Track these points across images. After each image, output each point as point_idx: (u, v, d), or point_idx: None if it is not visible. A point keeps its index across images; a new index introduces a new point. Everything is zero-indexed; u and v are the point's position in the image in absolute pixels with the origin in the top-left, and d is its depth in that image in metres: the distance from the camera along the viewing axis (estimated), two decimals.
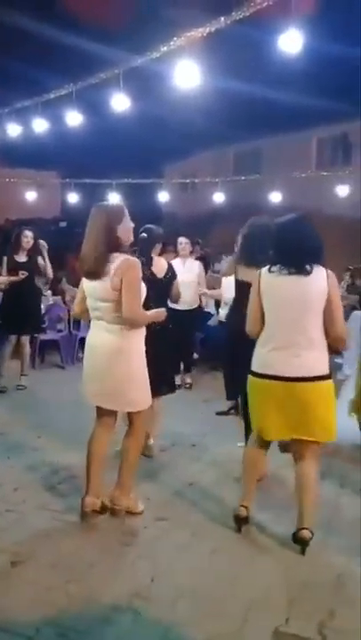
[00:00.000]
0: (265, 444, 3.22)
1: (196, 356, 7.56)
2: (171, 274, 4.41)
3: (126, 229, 3.22)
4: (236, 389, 3.90)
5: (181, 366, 6.55)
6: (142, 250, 4.26)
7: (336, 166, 18.02)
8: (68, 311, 8.46)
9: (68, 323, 8.34)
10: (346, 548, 3.04)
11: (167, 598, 2.54)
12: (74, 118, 7.83)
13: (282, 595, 2.59)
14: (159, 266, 4.34)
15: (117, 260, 3.10)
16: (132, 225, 3.29)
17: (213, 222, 15.89)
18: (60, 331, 8.37)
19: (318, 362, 3.00)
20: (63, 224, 18.13)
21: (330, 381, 3.03)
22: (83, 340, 8.60)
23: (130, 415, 3.35)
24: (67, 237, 14.27)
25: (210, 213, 16.48)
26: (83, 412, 3.58)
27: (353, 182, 14.01)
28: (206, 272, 7.61)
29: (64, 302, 8.81)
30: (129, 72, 5.90)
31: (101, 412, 3.35)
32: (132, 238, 3.32)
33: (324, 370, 3.01)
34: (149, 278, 3.93)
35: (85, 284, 3.28)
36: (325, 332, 3.00)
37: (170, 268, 4.43)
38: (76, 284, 3.78)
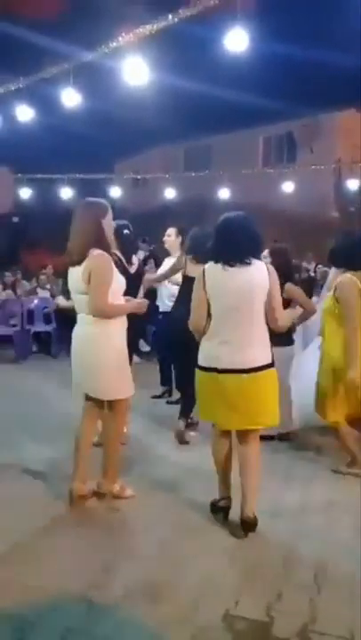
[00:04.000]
0: (226, 433, 3.28)
1: (147, 348, 7.72)
2: (141, 269, 4.71)
3: (109, 225, 3.39)
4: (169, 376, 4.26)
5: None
6: (126, 245, 4.42)
7: (282, 164, 18.51)
8: (22, 305, 8.45)
9: (22, 318, 8.32)
10: (291, 531, 3.17)
11: (120, 587, 2.59)
12: (24, 113, 7.80)
13: (231, 579, 2.68)
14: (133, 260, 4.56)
15: (91, 253, 3.23)
16: (113, 222, 3.44)
17: (165, 217, 15.98)
18: (13, 325, 8.34)
19: (263, 351, 3.11)
20: (16, 219, 17.88)
21: (274, 369, 3.15)
22: (37, 335, 8.72)
23: (109, 403, 3.43)
24: (20, 233, 14.12)
25: (161, 208, 16.60)
26: (41, 404, 3.63)
27: (298, 179, 14.44)
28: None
29: (17, 297, 8.77)
30: (80, 67, 5.94)
31: (88, 401, 3.49)
32: (112, 235, 3.45)
33: (269, 359, 3.12)
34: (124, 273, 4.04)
35: (69, 279, 3.41)
36: (267, 323, 3.12)
37: (139, 263, 4.73)
38: (30, 278, 3.87)
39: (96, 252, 3.24)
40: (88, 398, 3.49)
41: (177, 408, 4.84)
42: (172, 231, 5.76)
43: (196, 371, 3.24)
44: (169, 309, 5.29)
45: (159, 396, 6.10)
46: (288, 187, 14.09)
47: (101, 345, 3.33)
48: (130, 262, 4.42)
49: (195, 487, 3.68)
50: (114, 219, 3.49)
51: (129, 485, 3.59)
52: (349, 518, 3.35)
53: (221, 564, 2.84)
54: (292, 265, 4.90)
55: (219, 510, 3.29)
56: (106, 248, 3.31)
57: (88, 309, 3.28)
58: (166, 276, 5.23)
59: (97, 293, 3.21)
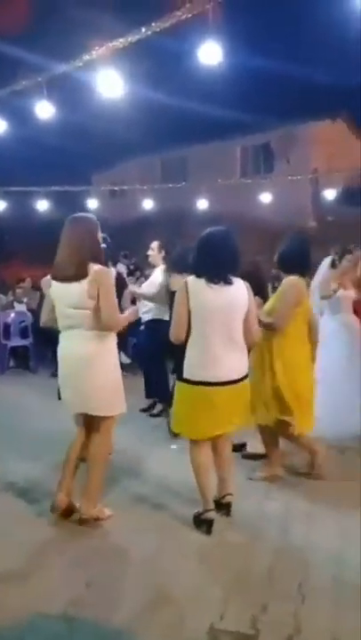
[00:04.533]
0: (206, 443, 3.35)
1: (128, 360, 7.68)
2: (122, 280, 4.72)
3: (99, 240, 3.43)
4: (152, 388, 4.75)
5: None
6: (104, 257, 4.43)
7: (259, 174, 18.72)
8: None
9: None
10: (275, 541, 3.16)
11: (102, 604, 2.56)
12: None
13: (216, 592, 2.66)
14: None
15: (92, 268, 3.22)
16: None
17: (143, 229, 16.03)
18: None
19: (243, 364, 3.27)
20: None
21: (248, 379, 3.33)
22: (13, 350, 8.62)
23: (98, 420, 3.39)
24: None
25: (139, 220, 16.64)
26: (22, 420, 3.58)
27: (275, 189, 14.59)
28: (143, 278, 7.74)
29: None
30: (53, 80, 5.95)
31: (80, 419, 3.46)
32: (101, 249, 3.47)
33: (246, 369, 3.30)
34: None
35: (56, 292, 3.35)
36: (244, 337, 3.25)
37: (118, 274, 4.79)
38: (6, 292, 3.83)
39: (98, 267, 3.25)
40: (84, 416, 3.43)
41: (160, 420, 4.77)
42: (154, 245, 5.85)
43: (179, 384, 3.28)
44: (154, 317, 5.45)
45: (146, 410, 5.94)
46: (266, 197, 14.21)
47: (105, 361, 3.33)
48: None
49: (178, 500, 3.66)
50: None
51: (113, 500, 3.55)
52: (331, 525, 3.35)
53: (206, 578, 2.81)
54: (263, 279, 4.94)
55: (202, 523, 3.27)
56: (102, 262, 3.33)
57: (90, 325, 3.24)
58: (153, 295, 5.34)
59: (111, 308, 3.24)
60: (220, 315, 3.14)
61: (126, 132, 15.42)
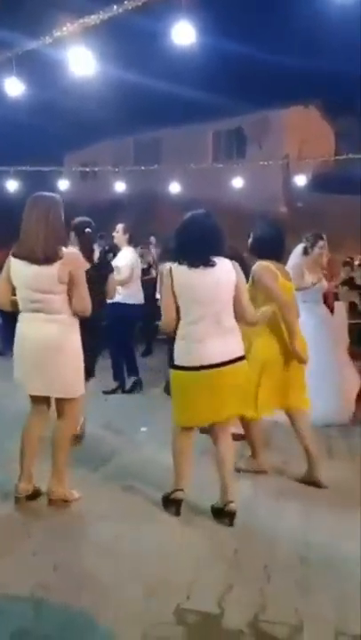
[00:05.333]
0: (190, 430, 3.33)
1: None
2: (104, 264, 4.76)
3: (63, 220, 3.34)
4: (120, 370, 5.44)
5: None
6: (87, 243, 4.37)
7: (231, 159, 18.70)
8: None
9: None
10: (241, 522, 3.18)
11: (70, 586, 2.55)
12: None
13: (183, 572, 2.68)
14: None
15: (63, 252, 3.18)
16: (76, 219, 3.57)
17: (115, 211, 15.90)
18: None
19: (236, 345, 3.20)
20: None
21: (245, 361, 3.24)
22: None
23: (63, 404, 3.37)
24: None
25: (111, 202, 16.47)
26: None
27: (247, 175, 14.60)
28: None
29: None
30: (22, 56, 5.79)
31: (37, 401, 3.41)
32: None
33: (241, 351, 3.22)
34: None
35: (19, 274, 3.24)
36: (236, 319, 3.20)
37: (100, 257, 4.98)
38: None
39: (69, 252, 3.23)
40: (36, 398, 3.40)
41: (129, 400, 4.75)
42: (119, 227, 6.01)
43: (172, 371, 3.27)
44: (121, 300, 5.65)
45: (110, 392, 6.05)
46: (238, 182, 14.22)
47: (70, 344, 3.31)
48: (91, 260, 4.30)
49: (147, 483, 3.67)
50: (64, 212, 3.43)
51: (81, 482, 3.55)
52: (296, 505, 3.42)
53: (173, 559, 2.84)
54: (245, 263, 4.93)
55: (171, 503, 3.29)
56: (66, 245, 3.30)
57: (57, 309, 3.21)
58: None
59: (83, 292, 3.25)
60: (204, 299, 3.11)
61: (98, 112, 15.20)
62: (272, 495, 3.59)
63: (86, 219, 4.47)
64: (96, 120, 16.80)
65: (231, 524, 3.15)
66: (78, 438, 4.17)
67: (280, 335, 3.73)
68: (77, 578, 2.64)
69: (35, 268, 3.18)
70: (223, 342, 3.14)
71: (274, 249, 3.89)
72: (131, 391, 6.12)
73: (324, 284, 5.37)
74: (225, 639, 2.27)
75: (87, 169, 17.39)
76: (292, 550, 2.92)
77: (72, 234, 4.28)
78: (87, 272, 3.53)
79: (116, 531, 3.10)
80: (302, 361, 3.74)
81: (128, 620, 2.34)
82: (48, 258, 3.15)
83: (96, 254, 4.73)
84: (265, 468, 3.96)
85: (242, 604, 2.45)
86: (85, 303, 3.26)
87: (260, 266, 3.82)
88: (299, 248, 5.35)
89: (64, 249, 3.21)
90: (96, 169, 17.08)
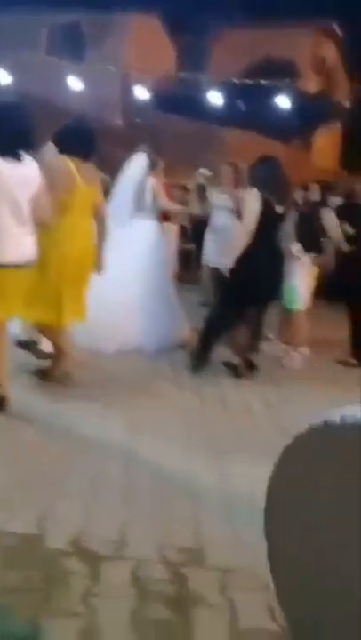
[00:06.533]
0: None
1: None
2: None
3: None
4: None
5: None
6: None
7: (68, 57, 17.22)
8: None
9: None
10: (67, 441, 3.10)
11: None
12: None
13: (2, 493, 2.51)
14: None
15: None
16: None
17: None
18: None
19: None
20: None
21: None
22: None
23: None
24: None
25: None
26: None
27: (85, 79, 13.65)
28: None
29: None
30: None
31: None
32: None
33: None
34: None
35: None
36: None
37: None
38: None
39: None
40: None
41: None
42: None
43: None
44: None
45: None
46: (74, 83, 13.17)
47: None
48: None
49: None
50: None
51: None
52: (120, 422, 3.37)
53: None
54: None
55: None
56: None
57: None
58: None
59: None
60: (10, 193, 3.04)
61: None
62: (95, 412, 3.49)
63: None
64: None
65: (2, 409, 3.16)
66: None
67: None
68: None
69: None
70: (28, 240, 3.14)
71: (72, 144, 3.63)
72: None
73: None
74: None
75: None
76: (117, 464, 2.87)
77: None
78: None
79: None
80: None
81: None
82: None
83: None
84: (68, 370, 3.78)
85: (64, 523, 2.35)
86: None
87: (57, 159, 3.64)
88: (139, 159, 5.12)
89: None
90: None
